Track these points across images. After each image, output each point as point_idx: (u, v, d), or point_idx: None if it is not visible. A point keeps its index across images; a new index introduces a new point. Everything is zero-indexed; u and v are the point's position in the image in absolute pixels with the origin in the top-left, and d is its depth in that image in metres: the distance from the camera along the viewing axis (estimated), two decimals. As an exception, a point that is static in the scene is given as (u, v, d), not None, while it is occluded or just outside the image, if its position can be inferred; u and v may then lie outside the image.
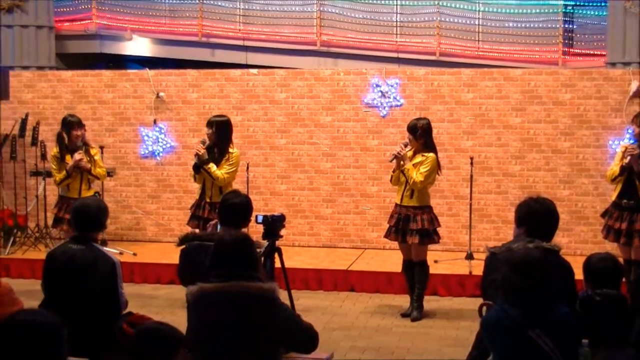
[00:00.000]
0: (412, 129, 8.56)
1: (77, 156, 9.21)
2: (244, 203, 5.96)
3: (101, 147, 11.26)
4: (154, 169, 12.57)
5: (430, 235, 8.88)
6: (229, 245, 4.55)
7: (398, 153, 8.54)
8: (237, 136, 11.56)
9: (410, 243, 8.84)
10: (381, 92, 11.88)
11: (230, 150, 8.84)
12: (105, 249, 6.16)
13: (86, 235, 5.70)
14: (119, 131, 12.67)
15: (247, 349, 4.47)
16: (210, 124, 8.84)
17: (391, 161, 8.65)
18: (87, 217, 5.73)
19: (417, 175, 8.46)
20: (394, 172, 8.65)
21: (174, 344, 3.62)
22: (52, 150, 9.64)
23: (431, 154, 8.64)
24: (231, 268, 4.49)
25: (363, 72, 12.08)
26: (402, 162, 8.54)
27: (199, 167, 8.86)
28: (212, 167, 8.71)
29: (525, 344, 4.35)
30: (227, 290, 4.45)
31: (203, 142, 8.77)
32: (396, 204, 8.95)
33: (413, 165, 8.78)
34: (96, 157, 9.49)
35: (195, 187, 9.44)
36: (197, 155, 8.74)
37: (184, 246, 6.08)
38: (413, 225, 8.79)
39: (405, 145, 8.79)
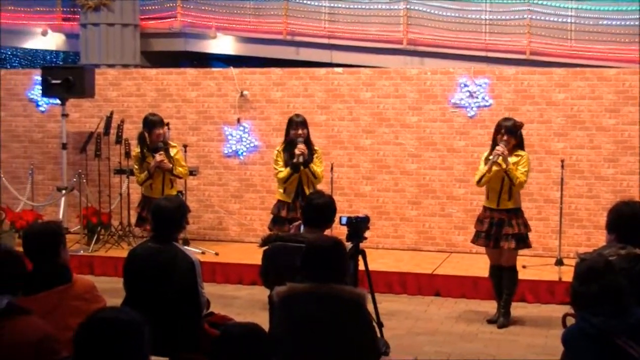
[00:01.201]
0: (511, 128, 8.44)
1: (157, 157, 9.28)
2: (328, 204, 5.98)
3: (184, 146, 11.35)
4: (237, 168, 12.50)
5: (525, 239, 8.78)
6: (322, 248, 4.60)
7: (502, 153, 8.41)
8: (321, 136, 11.84)
9: (506, 248, 8.69)
10: (469, 92, 11.76)
11: (316, 147, 8.95)
12: (187, 248, 6.21)
13: (165, 234, 5.67)
14: (203, 130, 12.63)
15: (332, 351, 4.55)
16: (303, 123, 8.85)
17: (493, 162, 8.42)
18: (165, 217, 5.70)
19: (520, 175, 8.39)
20: (488, 172, 8.44)
21: (260, 346, 3.59)
22: (134, 150, 9.73)
23: (524, 152, 8.61)
24: (323, 270, 4.57)
25: (450, 72, 11.95)
26: (503, 163, 8.39)
27: (297, 167, 8.85)
28: (312, 165, 8.77)
29: (613, 352, 4.22)
30: (319, 292, 4.53)
31: (301, 142, 8.77)
32: (486, 208, 8.81)
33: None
34: (177, 157, 9.52)
35: (275, 187, 9.41)
36: (300, 155, 8.73)
37: (267, 247, 6.10)
38: (508, 229, 8.67)
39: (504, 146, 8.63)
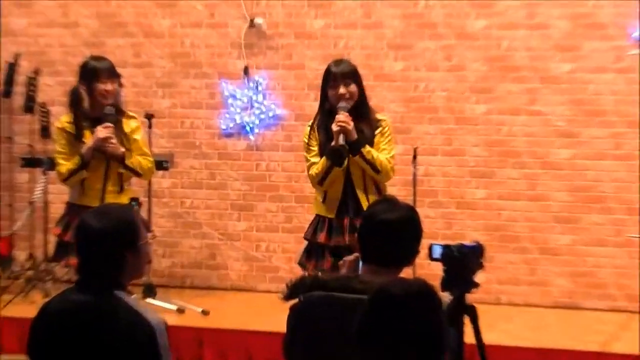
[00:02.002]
0: None
1: (100, 132, 7.04)
2: (405, 221, 4.52)
3: (148, 117, 8.47)
4: (243, 156, 9.47)
5: None
6: (398, 304, 3.35)
7: None
8: (395, 98, 9.15)
9: None
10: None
11: (379, 116, 6.85)
12: (148, 302, 6.54)
13: (99, 277, 4.10)
14: (181, 88, 9.67)
15: None
16: (349, 76, 6.67)
17: None
18: (95, 246, 4.06)
19: None
20: None
21: None
22: (60, 119, 7.52)
23: None
24: (400, 344, 3.42)
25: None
26: None
27: (339, 155, 6.64)
28: (370, 150, 6.67)
29: None
30: None
31: (344, 108, 6.64)
32: None
33: None
34: (135, 136, 7.34)
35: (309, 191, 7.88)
36: (341, 134, 6.51)
37: (296, 300, 4.57)
38: None
39: None
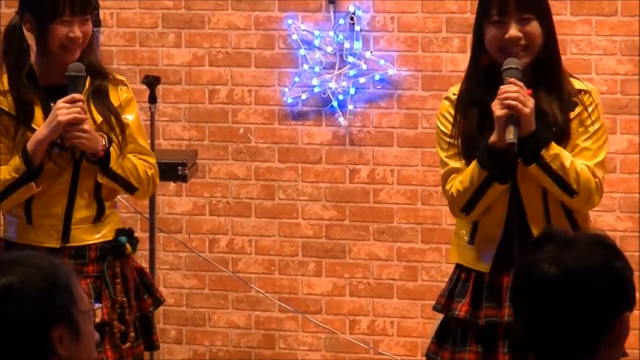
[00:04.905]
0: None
1: (62, 110, 4.74)
2: (594, 275, 3.46)
3: (149, 82, 5.99)
4: (326, 154, 7.00)
5: None
6: None
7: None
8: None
9: None
10: None
11: (579, 85, 5.10)
12: None
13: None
14: (214, 27, 7.12)
15: None
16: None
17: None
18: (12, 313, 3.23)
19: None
20: None
21: None
22: None
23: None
24: None
25: None
26: None
27: (506, 164, 5.23)
28: (560, 152, 5.09)
29: None
30: None
31: (515, 73, 4.94)
32: None
33: None
34: (127, 116, 4.99)
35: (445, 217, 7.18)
36: (511, 116, 4.90)
37: None
38: None
39: None
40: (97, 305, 4.40)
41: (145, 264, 5.60)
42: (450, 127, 4.39)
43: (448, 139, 4.38)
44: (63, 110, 4.49)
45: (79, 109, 4.56)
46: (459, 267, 4.44)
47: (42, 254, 3.33)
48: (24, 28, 4.62)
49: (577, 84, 4.41)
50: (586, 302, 2.87)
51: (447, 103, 4.41)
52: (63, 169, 4.70)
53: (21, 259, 3.04)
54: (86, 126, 4.57)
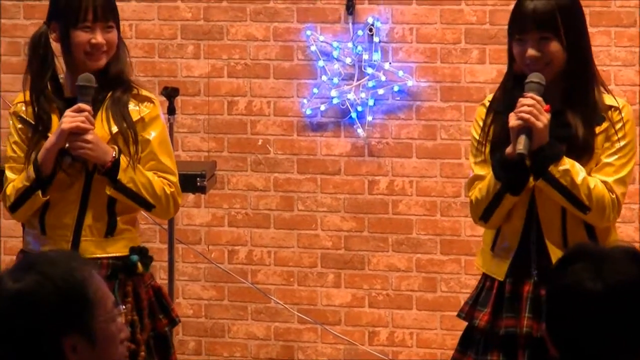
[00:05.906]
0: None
1: (67, 119, 4.65)
2: (628, 290, 3.41)
3: (168, 93, 5.96)
4: (345, 166, 7.12)
5: None
6: None
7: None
8: None
9: None
10: None
11: (610, 100, 4.98)
12: None
13: None
14: (233, 38, 7.10)
15: None
16: (551, 19, 5.03)
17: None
18: (6, 321, 3.18)
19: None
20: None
21: None
22: (15, 101, 5.07)
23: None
24: None
25: None
26: None
27: (513, 176, 5.34)
28: (570, 167, 5.29)
29: None
30: None
31: (536, 88, 5.18)
32: None
33: None
34: (151, 132, 4.84)
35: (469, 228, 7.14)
36: (523, 135, 5.03)
37: None
38: None
39: None
40: (122, 308, 4.29)
41: (164, 276, 5.65)
42: (480, 131, 4.49)
43: (478, 144, 4.47)
44: (67, 118, 4.52)
45: (83, 118, 4.56)
46: (484, 276, 4.50)
47: (62, 259, 3.24)
48: (50, 38, 4.63)
49: (608, 100, 4.40)
50: (630, 315, 2.93)
51: (482, 109, 4.49)
52: (75, 179, 4.66)
53: (37, 265, 3.01)
54: (89, 136, 4.58)
